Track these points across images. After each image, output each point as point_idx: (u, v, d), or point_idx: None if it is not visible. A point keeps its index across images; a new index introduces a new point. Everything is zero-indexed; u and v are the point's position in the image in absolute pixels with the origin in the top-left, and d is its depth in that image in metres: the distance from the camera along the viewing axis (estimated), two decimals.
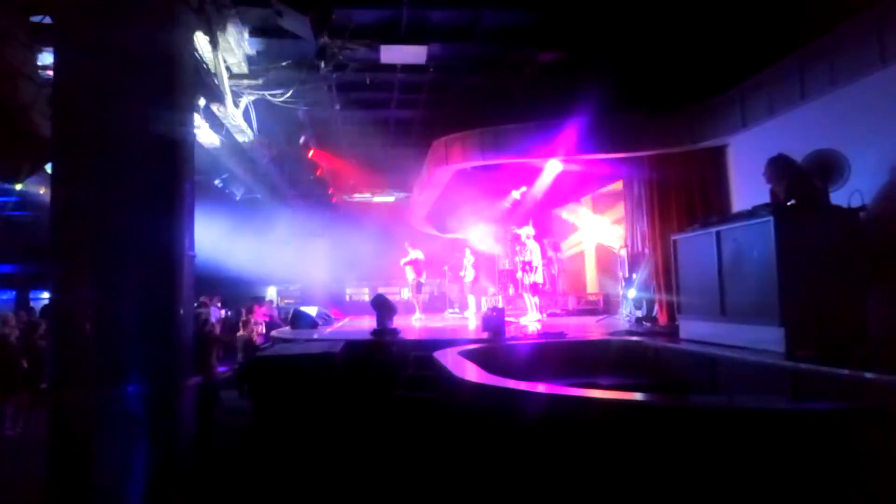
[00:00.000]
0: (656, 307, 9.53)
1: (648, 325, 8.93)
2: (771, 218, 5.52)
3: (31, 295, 21.88)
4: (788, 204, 5.83)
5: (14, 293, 22.14)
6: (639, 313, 9.74)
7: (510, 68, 10.12)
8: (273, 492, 5.42)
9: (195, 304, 6.78)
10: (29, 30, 6.22)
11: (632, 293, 10.15)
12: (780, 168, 6.18)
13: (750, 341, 5.74)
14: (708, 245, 6.47)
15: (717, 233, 6.34)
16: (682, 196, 9.54)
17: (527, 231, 12.20)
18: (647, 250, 10.29)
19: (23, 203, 14.43)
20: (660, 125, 9.74)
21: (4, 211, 16.00)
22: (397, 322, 9.08)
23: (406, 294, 14.46)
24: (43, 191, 10.99)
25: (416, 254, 13.81)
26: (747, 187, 8.32)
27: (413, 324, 11.96)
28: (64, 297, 4.86)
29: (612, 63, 9.37)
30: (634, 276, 10.36)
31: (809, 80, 7.23)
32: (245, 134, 10.28)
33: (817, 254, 5.47)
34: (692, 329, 6.90)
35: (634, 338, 7.76)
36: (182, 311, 5.09)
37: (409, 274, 13.87)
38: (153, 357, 4.80)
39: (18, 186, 10.56)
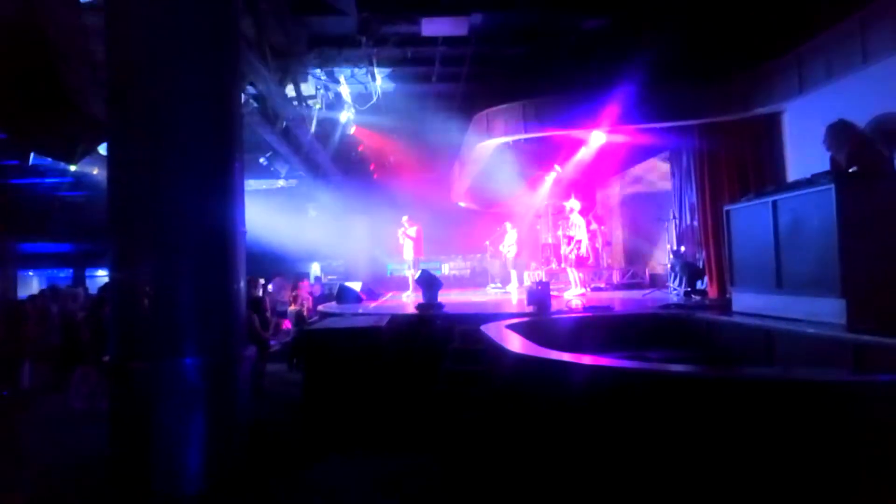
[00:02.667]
0: (706, 280, 9.33)
1: (698, 298, 8.75)
2: (832, 186, 5.28)
3: (87, 272, 22.74)
4: (850, 171, 5.58)
5: (71, 271, 23.05)
6: (687, 286, 9.55)
7: (554, 37, 9.91)
8: (324, 460, 5.53)
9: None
10: (80, 12, 6.35)
11: (680, 266, 9.94)
12: (840, 134, 5.89)
13: (808, 314, 5.56)
14: (763, 215, 6.26)
15: (774, 202, 6.11)
16: (733, 166, 9.25)
17: (571, 204, 12.04)
18: (695, 222, 10.05)
19: (77, 184, 14.90)
20: (711, 92, 9.43)
21: (60, 192, 16.58)
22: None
23: (407, 272, 13.92)
24: (96, 171, 11.32)
25: (412, 230, 13.67)
26: (804, 156, 8.02)
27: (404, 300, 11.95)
28: (123, 273, 5.03)
29: (660, 28, 9.08)
30: (683, 248, 10.15)
31: (872, 41, 6.88)
32: (288, 112, 10.35)
33: (881, 222, 5.21)
34: (746, 302, 6.72)
35: (684, 311, 7.63)
36: (235, 286, 5.22)
37: (408, 251, 13.56)
38: (209, 330, 4.96)
39: (73, 167, 10.90)
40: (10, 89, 5.77)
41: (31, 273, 25.18)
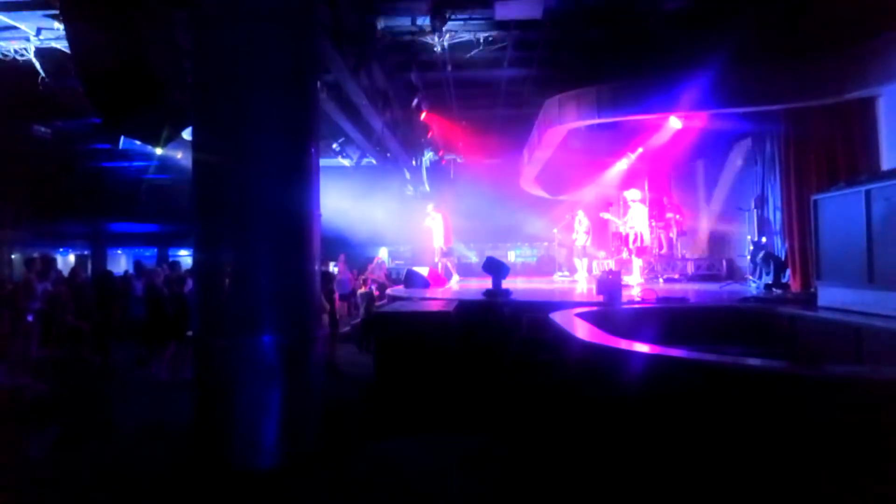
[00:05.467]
0: (788, 273, 8.90)
1: (779, 291, 8.36)
2: None
3: (171, 252, 23.92)
4: None
5: (156, 250, 24.32)
6: (768, 279, 9.14)
7: (631, 20, 9.60)
8: (393, 439, 5.63)
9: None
10: (169, 4, 6.61)
11: (761, 257, 9.52)
12: None
13: None
14: (855, 205, 5.90)
15: (867, 191, 5.75)
16: (821, 153, 8.74)
17: (632, 195, 11.79)
18: (778, 211, 9.60)
19: (163, 167, 15.59)
20: (798, 76, 8.88)
21: (147, 175, 17.41)
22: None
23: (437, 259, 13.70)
24: (180, 155, 11.81)
25: (437, 217, 13.46)
26: None
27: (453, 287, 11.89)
28: (205, 254, 5.25)
29: (744, 6, 8.64)
30: (764, 239, 9.71)
31: None
32: (361, 98, 10.49)
33: None
34: (833, 296, 6.38)
35: (764, 305, 7.31)
36: (310, 268, 5.36)
37: (437, 239, 13.37)
38: (286, 310, 5.11)
39: (159, 151, 11.40)
40: (102, 77, 6.06)
41: (119, 251, 26.73)
